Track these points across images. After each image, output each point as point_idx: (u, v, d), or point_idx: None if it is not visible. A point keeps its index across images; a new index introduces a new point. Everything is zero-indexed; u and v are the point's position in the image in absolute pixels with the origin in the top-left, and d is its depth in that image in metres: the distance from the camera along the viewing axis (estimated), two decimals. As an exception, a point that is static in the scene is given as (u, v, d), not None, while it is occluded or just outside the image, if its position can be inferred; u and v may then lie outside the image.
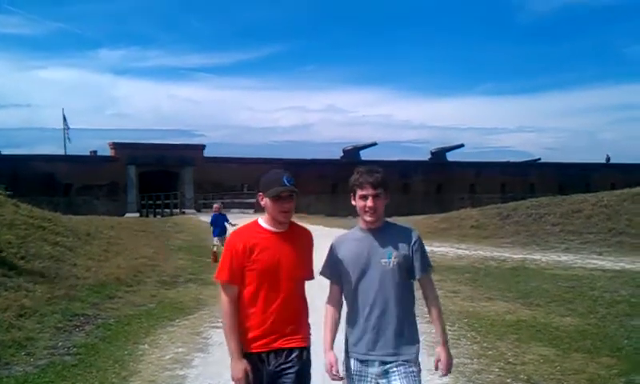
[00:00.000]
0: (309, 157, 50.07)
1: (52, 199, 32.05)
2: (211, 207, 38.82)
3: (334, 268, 3.32)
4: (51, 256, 11.40)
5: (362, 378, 3.21)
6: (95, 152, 46.80)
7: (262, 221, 3.33)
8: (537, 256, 15.48)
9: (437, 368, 3.27)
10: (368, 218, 3.22)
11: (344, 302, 3.35)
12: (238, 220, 19.72)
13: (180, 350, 7.19)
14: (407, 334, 3.22)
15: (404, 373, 3.14)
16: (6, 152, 43.10)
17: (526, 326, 8.04)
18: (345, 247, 3.31)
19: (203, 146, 48.36)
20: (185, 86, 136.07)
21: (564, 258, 15.05)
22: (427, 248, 3.49)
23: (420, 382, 3.21)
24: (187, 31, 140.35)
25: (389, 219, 3.36)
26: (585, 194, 21.44)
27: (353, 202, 3.30)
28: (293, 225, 3.37)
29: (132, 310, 9.43)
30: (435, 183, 54.48)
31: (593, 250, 16.02)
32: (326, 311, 3.38)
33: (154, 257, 15.05)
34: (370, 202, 3.18)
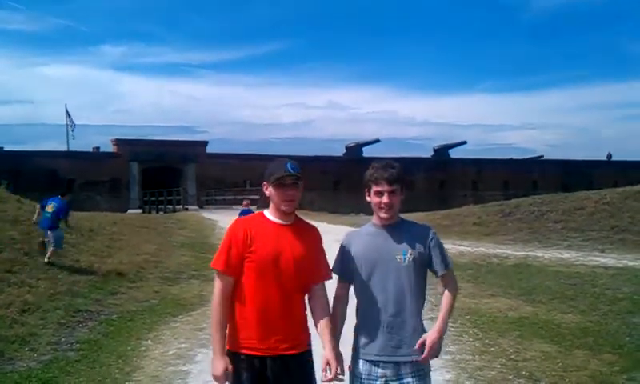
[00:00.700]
0: (311, 153, 49.97)
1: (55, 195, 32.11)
2: (213, 203, 38.96)
3: (345, 264, 3.22)
4: (54, 252, 11.40)
5: (370, 380, 3.11)
6: (98, 148, 46.79)
7: (268, 212, 3.17)
8: (539, 253, 15.47)
9: (418, 347, 3.07)
10: (383, 215, 3.13)
11: (348, 300, 3.27)
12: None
13: (183, 345, 7.22)
14: (419, 334, 3.13)
15: (417, 372, 3.08)
16: (8, 148, 43.16)
17: (528, 322, 8.05)
18: (358, 243, 3.21)
19: (205, 143, 48.36)
20: (187, 82, 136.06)
21: (566, 255, 15.03)
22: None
23: (430, 379, 3.18)
24: (189, 27, 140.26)
25: (405, 218, 3.28)
26: (587, 192, 21.42)
27: (367, 198, 3.20)
28: (299, 220, 3.21)
29: (135, 306, 9.47)
30: (438, 180, 54.41)
31: (595, 247, 16.00)
32: (332, 308, 3.26)
33: (156, 253, 15.08)
34: (385, 199, 3.10)
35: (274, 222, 3.11)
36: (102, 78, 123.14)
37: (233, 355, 3.04)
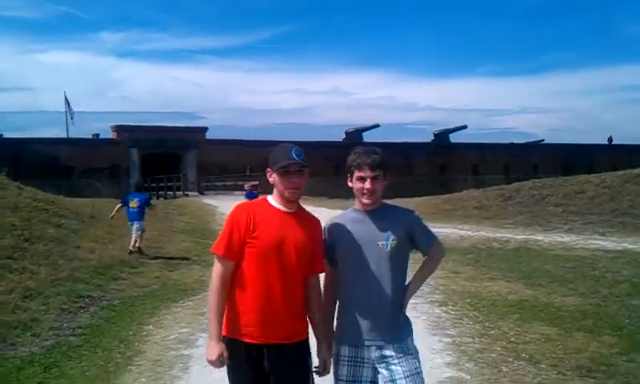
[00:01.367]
0: (311, 139, 49.93)
1: (55, 182, 32.14)
2: (213, 189, 38.92)
3: (328, 249, 3.22)
4: (55, 238, 11.45)
5: (357, 364, 3.12)
6: (97, 135, 46.72)
7: (271, 198, 3.11)
8: (539, 237, 15.49)
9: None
10: (365, 201, 3.13)
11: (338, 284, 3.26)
12: (241, 201, 19.76)
13: (184, 330, 7.25)
14: (402, 317, 3.17)
15: (403, 355, 3.09)
16: (8, 135, 43.09)
17: (528, 305, 8.08)
18: (340, 229, 3.20)
19: (205, 129, 48.24)
20: (187, 68, 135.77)
21: (566, 238, 15.05)
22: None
23: (419, 361, 3.18)
24: (189, 13, 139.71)
25: (389, 202, 3.30)
26: (588, 175, 21.40)
27: (350, 184, 3.19)
28: (302, 209, 3.16)
29: (136, 292, 9.50)
30: (438, 165, 54.40)
31: (595, 230, 16.02)
32: (324, 295, 3.29)
33: (157, 239, 15.09)
34: (367, 184, 3.08)
35: (277, 209, 3.06)
36: (102, 64, 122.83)
37: (231, 342, 3.02)
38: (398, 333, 3.12)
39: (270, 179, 3.09)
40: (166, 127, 47.44)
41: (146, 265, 11.75)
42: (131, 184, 43.60)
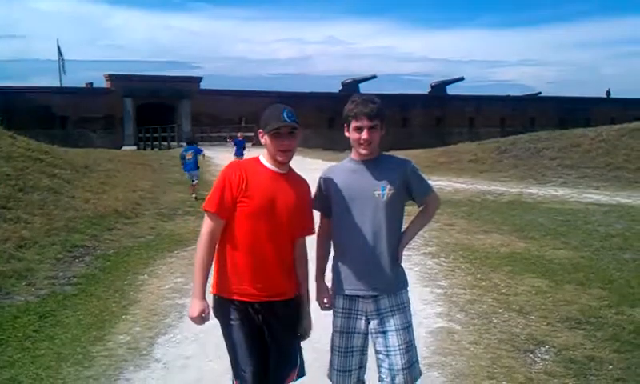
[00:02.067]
0: (307, 90, 49.46)
1: (49, 132, 31.90)
2: (209, 140, 38.73)
3: (324, 201, 3.21)
4: (49, 188, 11.41)
5: (351, 315, 3.15)
6: (91, 84, 46.12)
7: (263, 158, 3.09)
8: (533, 190, 15.55)
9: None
10: (362, 151, 3.09)
11: (330, 235, 3.27)
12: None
13: (179, 280, 7.31)
14: (397, 268, 3.17)
15: (396, 307, 3.11)
16: (0, 84, 42.49)
17: (519, 258, 8.15)
18: (336, 179, 3.18)
19: (200, 79, 47.65)
20: (181, 16, 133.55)
21: (560, 192, 15.12)
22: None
23: (411, 314, 3.21)
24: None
25: (385, 153, 3.26)
26: (584, 129, 21.38)
27: (346, 133, 3.15)
28: (292, 171, 3.15)
29: (131, 242, 9.53)
30: (434, 117, 54.09)
31: (590, 184, 16.09)
32: (316, 244, 3.30)
33: (152, 190, 15.09)
34: (365, 135, 3.05)
35: (269, 169, 3.05)
36: (95, 12, 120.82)
37: (222, 300, 3.06)
38: (393, 284, 3.13)
39: (262, 140, 3.07)
40: (160, 77, 46.85)
41: (141, 215, 11.77)
42: (125, 134, 43.67)
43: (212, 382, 4.40)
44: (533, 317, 5.75)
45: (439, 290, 6.68)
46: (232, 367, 3.09)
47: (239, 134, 22.62)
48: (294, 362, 3.16)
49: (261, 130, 3.06)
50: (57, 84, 44.51)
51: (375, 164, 3.14)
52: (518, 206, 13.03)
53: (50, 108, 40.56)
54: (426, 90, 57.55)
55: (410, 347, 3.13)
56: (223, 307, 3.05)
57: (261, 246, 2.98)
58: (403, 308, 3.14)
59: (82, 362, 4.80)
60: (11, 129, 14.85)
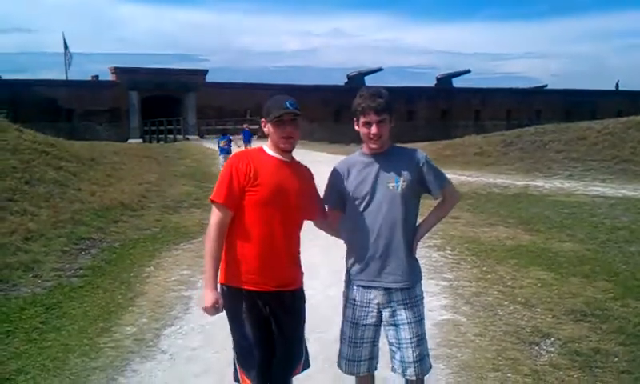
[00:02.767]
0: (312, 83, 49.35)
1: (55, 125, 31.97)
2: (215, 133, 38.73)
3: (336, 195, 3.21)
4: (55, 181, 11.45)
5: (364, 308, 3.15)
6: (97, 77, 46.11)
7: (267, 147, 3.13)
8: (539, 183, 15.51)
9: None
10: (373, 146, 3.10)
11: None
12: (241, 146, 19.90)
13: (185, 272, 7.33)
14: (411, 260, 3.17)
15: (408, 300, 3.12)
16: (7, 77, 42.55)
17: (525, 251, 8.14)
18: (348, 172, 3.18)
19: (205, 71, 47.58)
20: (186, 8, 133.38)
21: (566, 184, 15.08)
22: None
23: (423, 307, 3.22)
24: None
25: (397, 145, 3.25)
26: (590, 122, 21.27)
27: (356, 128, 3.16)
28: (295, 160, 3.21)
29: (137, 234, 9.56)
30: (440, 110, 53.90)
31: (596, 177, 16.04)
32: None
33: (157, 182, 15.12)
34: (374, 129, 3.04)
35: (274, 157, 3.09)
36: (101, 4, 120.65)
37: (230, 290, 3.07)
38: (407, 277, 3.13)
39: (265, 129, 3.11)
40: (165, 69, 46.80)
41: (147, 208, 11.80)
42: (131, 127, 43.70)
43: (218, 373, 4.42)
44: (538, 309, 5.74)
45: (445, 283, 6.68)
46: (237, 357, 3.12)
47: (245, 125, 23.90)
48: (300, 355, 3.19)
49: (264, 119, 3.10)
50: (63, 77, 44.58)
51: (387, 156, 3.14)
52: (523, 198, 13.00)
53: (55, 101, 40.60)
54: (432, 83, 57.36)
55: (421, 340, 3.14)
56: (231, 296, 3.06)
57: (270, 234, 3.00)
58: (416, 302, 3.15)
59: (89, 353, 4.83)
60: (17, 122, 14.91)
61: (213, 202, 3.04)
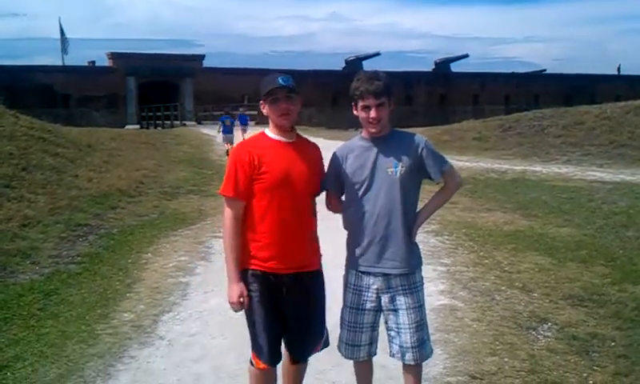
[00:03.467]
0: (310, 68, 49.12)
1: (51, 111, 31.82)
2: (212, 119, 38.65)
3: (336, 180, 3.19)
4: (52, 167, 11.41)
5: (362, 293, 3.15)
6: (93, 63, 45.87)
7: (268, 131, 3.12)
8: (537, 168, 15.50)
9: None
10: (372, 130, 3.07)
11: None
12: (237, 131, 19.85)
13: (183, 258, 7.32)
14: (412, 246, 3.15)
15: (407, 286, 3.11)
16: (3, 63, 42.29)
17: (523, 236, 8.15)
18: (348, 157, 3.15)
19: (202, 56, 47.35)
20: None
21: (564, 169, 15.07)
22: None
23: (423, 293, 3.21)
24: None
25: (397, 129, 3.23)
26: (588, 106, 21.22)
27: (355, 112, 3.12)
28: (301, 137, 3.18)
29: (135, 221, 9.54)
30: (438, 95, 53.78)
31: (593, 162, 16.02)
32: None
33: (155, 168, 15.08)
34: (373, 113, 3.01)
35: (276, 140, 3.06)
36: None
37: (243, 273, 3.07)
38: (406, 263, 3.11)
39: (264, 111, 3.08)
40: (162, 55, 46.55)
41: (145, 194, 11.78)
42: (128, 113, 43.54)
43: (216, 358, 4.43)
44: (535, 294, 5.76)
45: (442, 268, 6.69)
46: (251, 339, 3.15)
47: (241, 109, 25.49)
48: (320, 333, 3.25)
49: (262, 101, 3.06)
50: (59, 63, 44.32)
51: (387, 141, 3.11)
52: (521, 183, 12.99)
53: (52, 87, 40.41)
54: (430, 68, 57.15)
55: (420, 326, 3.14)
56: (244, 279, 3.06)
57: (282, 218, 3.00)
58: (415, 287, 3.14)
59: (87, 339, 4.84)
60: (14, 108, 14.80)
61: (223, 196, 3.06)
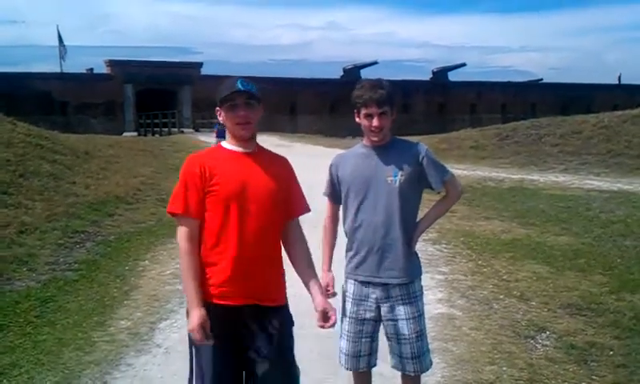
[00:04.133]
0: (308, 76, 49.23)
1: (49, 118, 31.79)
2: (209, 127, 38.65)
3: (335, 187, 3.19)
4: (50, 174, 11.39)
5: (362, 302, 3.13)
6: (91, 70, 45.88)
7: (225, 142, 2.80)
8: (535, 176, 15.52)
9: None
10: (374, 138, 3.05)
11: (339, 219, 3.28)
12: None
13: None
14: (411, 256, 3.13)
15: (407, 295, 3.09)
16: (0, 70, 42.27)
17: (520, 244, 8.15)
18: (348, 165, 3.14)
19: (200, 64, 47.40)
20: (181, 1, 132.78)
21: (562, 178, 15.10)
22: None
23: (423, 303, 3.19)
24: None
25: (398, 137, 3.23)
26: (585, 115, 21.29)
27: (357, 120, 3.09)
28: (264, 149, 2.82)
29: (132, 228, 9.53)
30: (436, 103, 53.88)
31: (591, 170, 16.06)
32: (323, 230, 3.30)
33: (152, 176, 15.06)
34: (375, 122, 2.99)
35: (232, 151, 2.72)
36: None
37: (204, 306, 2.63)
38: (405, 273, 3.09)
39: (221, 119, 2.78)
40: (160, 62, 46.58)
41: (142, 201, 11.76)
42: (126, 120, 43.56)
43: (213, 367, 4.40)
44: (533, 303, 5.75)
45: (440, 276, 6.68)
46: None
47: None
48: (292, 378, 2.77)
49: (218, 108, 2.76)
50: (57, 70, 44.32)
51: (387, 149, 3.09)
52: (519, 192, 13.01)
53: (50, 94, 40.38)
54: (428, 76, 57.29)
55: (420, 337, 3.12)
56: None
57: (237, 237, 2.61)
58: (415, 297, 3.13)
59: (83, 347, 4.81)
60: (11, 115, 14.78)
61: (171, 214, 2.71)
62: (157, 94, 43.74)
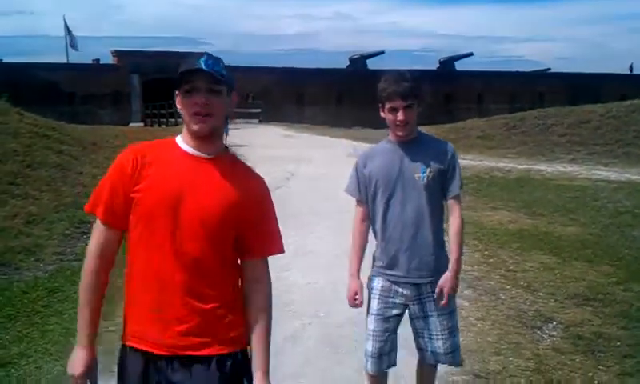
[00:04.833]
0: (314, 66, 49.04)
1: (56, 108, 31.87)
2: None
3: (361, 185, 3.11)
4: (57, 164, 11.42)
5: (389, 300, 3.06)
6: (98, 60, 45.93)
7: (180, 137, 2.12)
8: (542, 167, 15.45)
9: (437, 296, 3.01)
10: (399, 133, 2.99)
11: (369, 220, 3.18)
12: (241, 130, 19.86)
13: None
14: (440, 254, 3.09)
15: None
16: (8, 60, 42.39)
17: (528, 234, 8.12)
18: (374, 162, 3.07)
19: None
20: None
21: (569, 168, 15.03)
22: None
23: (455, 301, 3.13)
24: None
25: (424, 133, 3.18)
26: (593, 105, 21.15)
27: (382, 114, 3.03)
28: (230, 157, 2.12)
29: (139, 218, 9.53)
30: (443, 93, 53.58)
31: (599, 161, 15.98)
32: (353, 232, 3.18)
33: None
34: (400, 116, 2.93)
35: (184, 152, 2.04)
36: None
37: (121, 351, 2.12)
38: (434, 272, 3.04)
39: (178, 106, 2.14)
40: (167, 52, 46.37)
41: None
42: (133, 110, 43.61)
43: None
44: (541, 293, 5.74)
45: (446, 267, 6.67)
46: None
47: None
48: None
49: (177, 90, 2.14)
50: (64, 60, 44.40)
51: (414, 145, 3.04)
52: (526, 182, 12.95)
53: (57, 84, 40.47)
54: (435, 66, 57.02)
55: (452, 332, 3.08)
56: (120, 361, 2.12)
57: (161, 266, 1.96)
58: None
59: (91, 336, 4.83)
60: (18, 105, 14.81)
61: (89, 213, 2.09)
62: (163, 84, 43.34)
